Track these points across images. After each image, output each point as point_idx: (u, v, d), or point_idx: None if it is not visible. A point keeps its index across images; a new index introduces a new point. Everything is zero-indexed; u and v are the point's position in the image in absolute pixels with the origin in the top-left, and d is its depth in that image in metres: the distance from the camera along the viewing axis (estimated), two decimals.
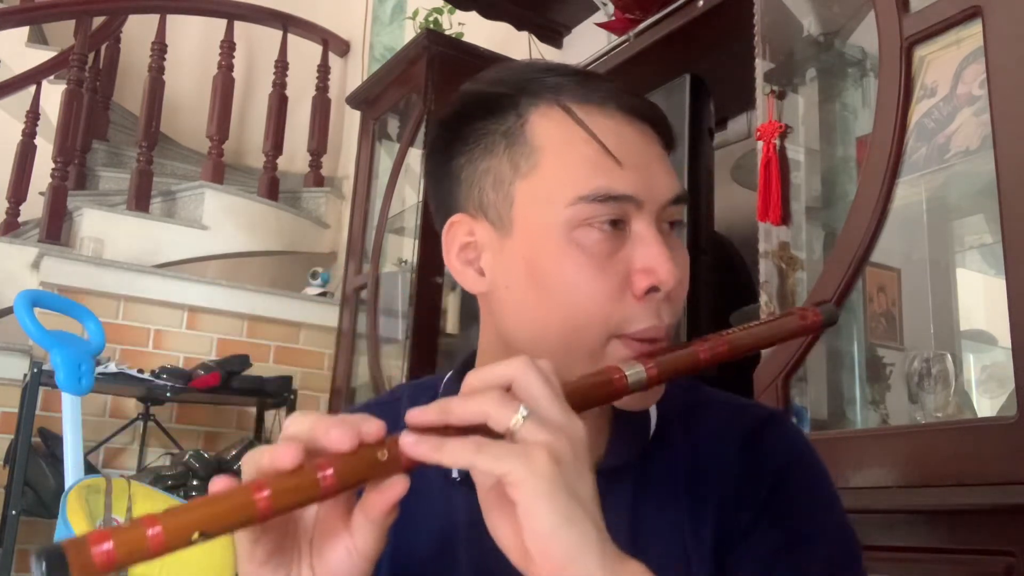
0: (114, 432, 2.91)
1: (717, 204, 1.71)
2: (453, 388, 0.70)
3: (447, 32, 2.81)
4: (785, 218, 1.44)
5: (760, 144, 1.48)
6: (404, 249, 2.82)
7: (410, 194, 2.82)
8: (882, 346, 1.42)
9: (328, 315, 3.25)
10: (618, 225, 0.61)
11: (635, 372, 0.56)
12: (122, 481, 1.89)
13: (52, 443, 2.61)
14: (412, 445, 0.49)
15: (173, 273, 3.23)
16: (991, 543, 1.00)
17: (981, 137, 1.21)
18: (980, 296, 1.44)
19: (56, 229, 3.27)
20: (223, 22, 3.84)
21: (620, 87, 0.64)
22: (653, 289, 0.60)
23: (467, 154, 0.65)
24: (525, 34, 2.65)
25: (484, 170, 0.64)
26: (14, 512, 2.45)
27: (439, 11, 2.87)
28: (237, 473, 0.50)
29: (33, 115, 3.64)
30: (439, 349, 2.49)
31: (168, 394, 2.86)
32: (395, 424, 0.52)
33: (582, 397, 0.54)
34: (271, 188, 3.68)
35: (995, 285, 1.16)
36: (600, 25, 2.13)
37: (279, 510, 0.47)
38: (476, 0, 2.54)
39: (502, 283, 0.64)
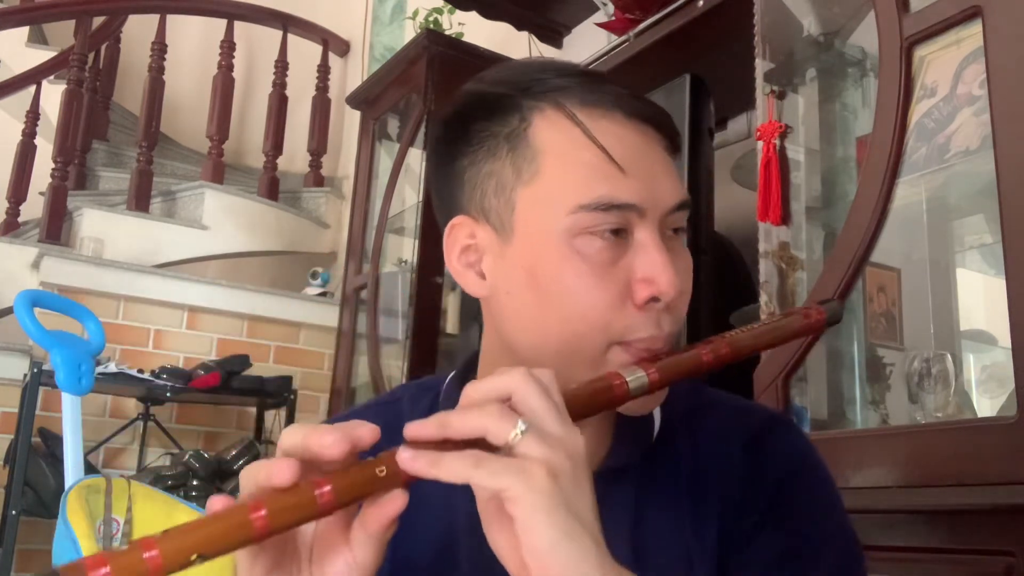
0: (114, 432, 2.91)
1: (717, 204, 1.71)
2: (455, 390, 0.70)
3: (447, 32, 2.81)
4: (785, 218, 1.45)
5: (760, 144, 1.48)
6: (404, 249, 2.82)
7: (410, 194, 2.82)
8: (882, 346, 1.42)
9: (328, 315, 3.25)
10: (620, 233, 0.60)
11: (636, 378, 0.56)
12: (122, 481, 1.88)
13: (52, 443, 2.61)
14: (409, 461, 0.48)
15: (173, 273, 3.23)
16: (991, 543, 1.00)
17: (981, 137, 1.21)
18: (980, 296, 1.44)
19: (56, 229, 3.27)
20: (223, 22, 3.84)
21: (624, 90, 0.63)
22: (653, 299, 0.60)
23: (470, 155, 0.64)
24: (525, 34, 2.65)
25: (487, 173, 0.63)
26: (14, 512, 2.45)
27: (439, 11, 2.87)
28: (236, 473, 0.50)
29: (33, 115, 3.64)
30: (439, 349, 2.49)
31: (168, 394, 2.86)
32: (396, 424, 0.52)
33: (583, 404, 0.54)
34: (271, 188, 3.68)
35: (995, 285, 1.16)
36: (600, 25, 2.13)
37: (277, 529, 0.47)
38: (476, 0, 2.54)
39: (503, 288, 0.64)
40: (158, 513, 1.87)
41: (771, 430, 0.68)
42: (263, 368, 3.11)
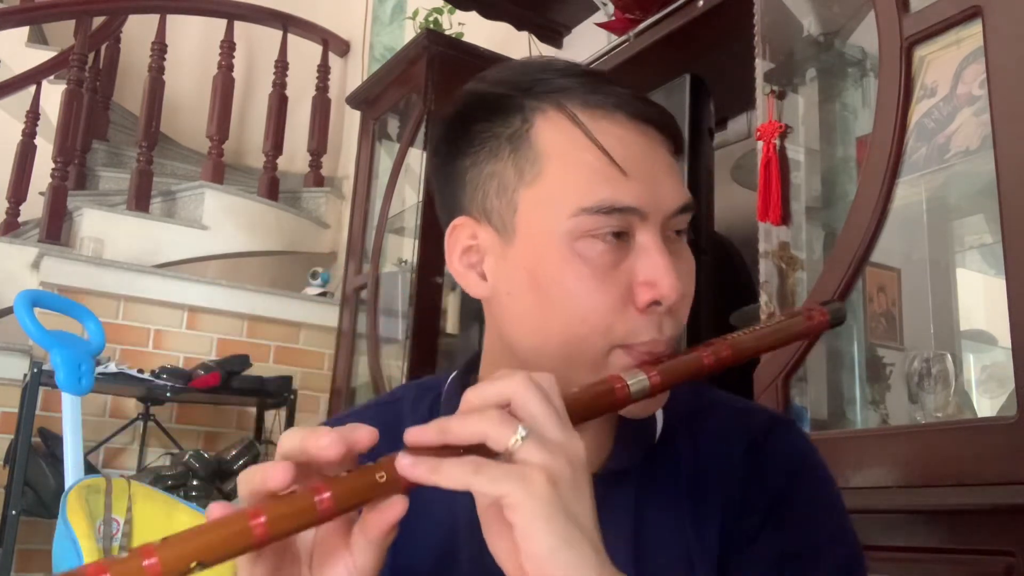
0: (114, 432, 2.91)
1: (717, 204, 1.71)
2: (456, 390, 0.70)
3: (447, 32, 2.81)
4: (785, 218, 1.45)
5: (760, 144, 1.48)
6: (404, 249, 2.82)
7: (410, 194, 2.82)
8: (882, 346, 1.42)
9: (328, 315, 3.25)
10: (622, 236, 0.60)
11: (637, 381, 0.56)
12: (122, 481, 1.88)
13: (52, 443, 2.61)
14: (409, 467, 0.48)
15: (173, 273, 3.23)
16: (991, 543, 1.00)
17: (981, 137, 1.21)
18: (980, 296, 1.44)
19: (56, 229, 3.27)
20: (223, 22, 3.84)
21: (627, 91, 0.62)
22: (655, 303, 0.60)
23: (472, 156, 0.64)
24: (525, 34, 2.65)
25: (489, 174, 0.63)
26: (14, 512, 2.45)
27: (439, 11, 2.87)
28: (236, 473, 0.50)
29: (33, 115, 3.64)
30: (439, 349, 2.49)
31: (168, 394, 2.86)
32: (396, 425, 0.52)
33: (584, 408, 0.54)
34: (271, 188, 3.68)
35: (995, 285, 1.16)
36: (600, 25, 2.13)
37: (276, 536, 0.46)
38: (476, 0, 2.54)
39: (504, 289, 0.63)
40: (158, 513, 1.87)
41: (772, 431, 0.68)
42: (263, 368, 3.11)
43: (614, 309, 0.60)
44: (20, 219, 3.55)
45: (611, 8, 2.03)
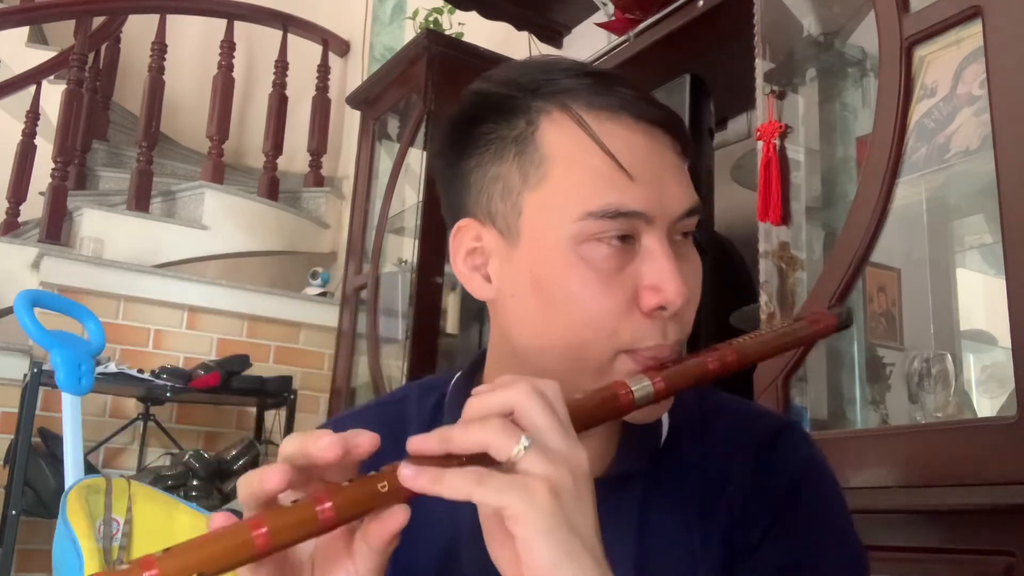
0: (114, 432, 2.91)
1: (717, 204, 1.71)
2: (461, 391, 0.70)
3: (447, 32, 2.81)
4: (785, 218, 1.45)
5: (760, 144, 1.48)
6: (404, 249, 2.82)
7: (410, 194, 2.82)
8: (882, 346, 1.42)
9: (328, 315, 3.25)
10: (627, 240, 0.59)
11: (642, 387, 0.55)
12: (122, 481, 1.88)
13: (52, 443, 2.61)
14: (411, 478, 0.48)
15: (173, 273, 3.24)
16: (991, 543, 1.00)
17: (981, 137, 1.21)
18: (980, 296, 1.44)
19: (56, 229, 3.27)
20: (223, 22, 3.84)
21: (633, 92, 0.61)
22: (660, 308, 0.59)
23: (477, 157, 0.63)
24: (525, 34, 2.65)
25: (493, 176, 0.62)
26: (14, 512, 2.45)
27: (439, 11, 2.87)
28: (236, 473, 0.50)
29: (33, 115, 3.64)
30: (439, 349, 2.49)
31: (168, 394, 2.86)
32: (398, 424, 0.51)
33: (588, 415, 0.53)
34: (271, 188, 3.68)
35: (995, 285, 1.16)
36: (600, 25, 2.13)
37: (278, 546, 0.46)
38: (476, 0, 2.54)
39: (508, 292, 0.63)
40: (158, 513, 1.87)
41: (779, 435, 0.67)
42: (263, 368, 3.11)
43: (619, 313, 0.59)
44: (20, 219, 3.55)
45: (611, 8, 2.03)
